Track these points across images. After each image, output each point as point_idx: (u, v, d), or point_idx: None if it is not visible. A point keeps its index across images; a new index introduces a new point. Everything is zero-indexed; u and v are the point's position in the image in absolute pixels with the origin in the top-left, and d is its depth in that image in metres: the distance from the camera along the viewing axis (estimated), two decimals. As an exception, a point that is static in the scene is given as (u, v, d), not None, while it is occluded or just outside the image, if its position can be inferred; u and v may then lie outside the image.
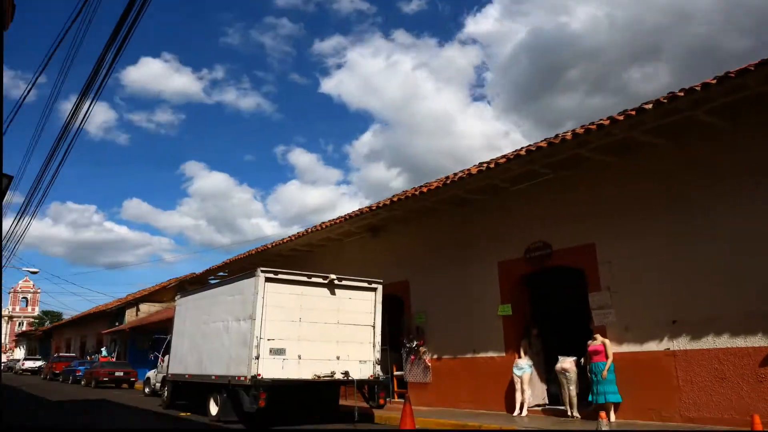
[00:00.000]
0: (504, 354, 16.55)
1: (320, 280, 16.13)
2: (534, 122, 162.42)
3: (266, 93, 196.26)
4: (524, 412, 15.45)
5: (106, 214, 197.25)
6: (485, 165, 15.68)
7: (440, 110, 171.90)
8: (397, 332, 20.05)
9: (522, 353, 16.05)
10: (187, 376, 18.74)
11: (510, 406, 15.92)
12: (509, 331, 16.61)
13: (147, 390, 27.83)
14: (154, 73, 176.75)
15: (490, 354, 16.95)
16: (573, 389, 14.51)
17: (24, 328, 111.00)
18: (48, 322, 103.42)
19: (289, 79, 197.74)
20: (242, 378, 15.13)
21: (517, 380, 15.66)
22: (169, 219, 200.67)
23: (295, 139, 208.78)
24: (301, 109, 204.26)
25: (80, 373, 39.14)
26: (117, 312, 48.45)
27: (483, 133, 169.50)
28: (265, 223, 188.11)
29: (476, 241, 17.75)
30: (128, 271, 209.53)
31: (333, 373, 15.63)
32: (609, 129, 12.77)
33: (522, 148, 15.30)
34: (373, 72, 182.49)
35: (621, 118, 12.45)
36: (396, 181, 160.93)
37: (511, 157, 14.86)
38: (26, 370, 59.50)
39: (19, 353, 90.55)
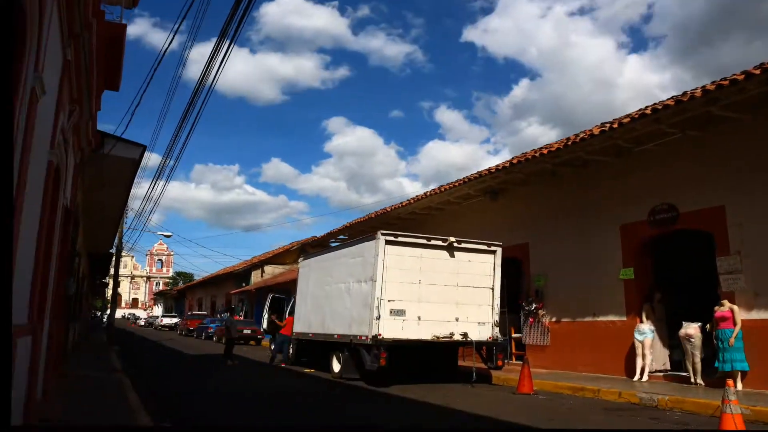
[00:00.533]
0: (625, 318, 16.31)
1: (440, 243, 16.29)
2: (699, 73, 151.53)
3: (415, 39, 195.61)
4: (645, 378, 15.23)
5: (246, 176, 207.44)
6: (608, 125, 15.29)
7: (596, 61, 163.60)
8: (516, 295, 20.05)
9: (644, 318, 15.77)
10: (310, 334, 19.48)
11: (630, 371, 15.72)
12: (631, 295, 16.32)
13: (272, 347, 29.45)
14: (298, 16, 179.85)
15: (611, 318, 16.73)
16: (697, 356, 14.17)
17: (160, 288, 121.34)
18: (181, 282, 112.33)
19: (438, 28, 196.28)
20: (364, 337, 15.58)
21: (638, 345, 15.45)
22: (307, 181, 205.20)
23: (442, 92, 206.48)
24: (448, 61, 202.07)
25: (212, 330, 41.20)
26: (244, 273, 50.40)
27: (641, 85, 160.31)
28: (408, 183, 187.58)
29: (598, 204, 17.44)
30: (263, 234, 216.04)
31: (452, 334, 15.87)
32: (743, 85, 12.15)
33: (647, 107, 14.73)
34: (526, 19, 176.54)
35: (757, 72, 11.81)
36: (545, 137, 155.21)
37: (636, 116, 14.41)
38: (164, 326, 64.36)
39: (157, 310, 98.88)
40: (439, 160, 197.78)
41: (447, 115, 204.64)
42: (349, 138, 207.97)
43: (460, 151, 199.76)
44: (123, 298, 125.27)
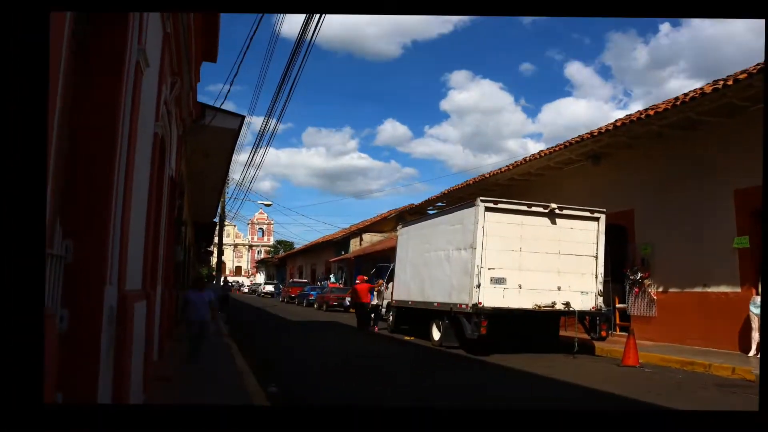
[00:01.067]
0: (739, 289, 15.57)
1: (540, 210, 15.93)
2: None
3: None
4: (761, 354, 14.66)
5: (359, 140, 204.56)
6: (721, 82, 14.44)
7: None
8: (620, 263, 19.35)
9: (760, 289, 14.92)
10: (410, 302, 19.51)
11: (745, 345, 15.04)
12: (746, 265, 15.52)
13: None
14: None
15: (723, 289, 16.03)
16: (821, 329, 13.34)
17: (262, 256, 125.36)
18: (281, 250, 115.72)
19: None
20: (464, 306, 15.50)
21: (754, 318, 14.67)
22: (422, 144, 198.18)
23: (574, 42, 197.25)
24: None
25: (312, 298, 41.70)
26: (342, 241, 51.04)
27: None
28: (531, 144, 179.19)
29: (709, 168, 16.60)
30: (373, 201, 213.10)
31: (553, 303, 15.57)
32: None
33: None
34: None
35: None
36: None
37: (753, 71, 13.52)
38: (266, 293, 67.26)
39: (260, 278, 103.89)
40: (567, 117, 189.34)
41: (577, 69, 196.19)
42: (471, 94, 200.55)
43: (589, 108, 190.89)
44: (227, 266, 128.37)
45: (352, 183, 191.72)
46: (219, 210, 34.03)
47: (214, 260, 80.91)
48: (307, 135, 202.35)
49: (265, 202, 45.39)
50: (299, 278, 64.65)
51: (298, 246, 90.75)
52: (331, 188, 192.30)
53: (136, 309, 5.91)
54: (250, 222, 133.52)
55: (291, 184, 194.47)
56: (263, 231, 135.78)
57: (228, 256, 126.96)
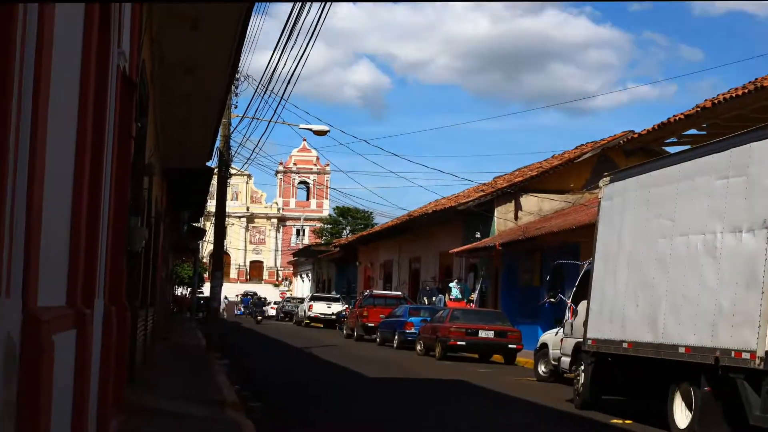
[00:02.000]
0: None
1: None
2: None
3: None
4: None
5: None
6: None
7: None
8: None
9: None
10: (625, 345, 10.76)
11: None
12: None
13: (542, 369, 16.40)
14: None
15: None
16: None
17: (305, 240, 71.71)
18: (347, 228, 65.19)
19: None
20: (747, 355, 8.25)
21: None
22: None
23: None
24: None
25: (413, 330, 24.33)
26: (477, 212, 28.91)
27: None
28: None
29: None
30: (583, 120, 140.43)
31: None
32: None
33: None
34: None
35: None
36: None
37: None
38: (316, 318, 39.67)
39: (300, 286, 61.77)
40: None
41: None
42: None
43: None
44: (232, 262, 73.53)
45: (538, 74, 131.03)
46: (219, 143, 20.34)
47: (206, 247, 46.67)
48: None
49: (319, 128, 23.27)
50: (384, 288, 38.40)
51: (380, 221, 50.55)
52: (489, 92, 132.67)
53: (57, 344, 3.31)
54: (278, 170, 73.37)
55: (411, 82, 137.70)
56: (309, 189, 76.98)
57: (234, 241, 72.03)
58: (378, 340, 27.29)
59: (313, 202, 78.57)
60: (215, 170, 21.81)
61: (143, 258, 12.08)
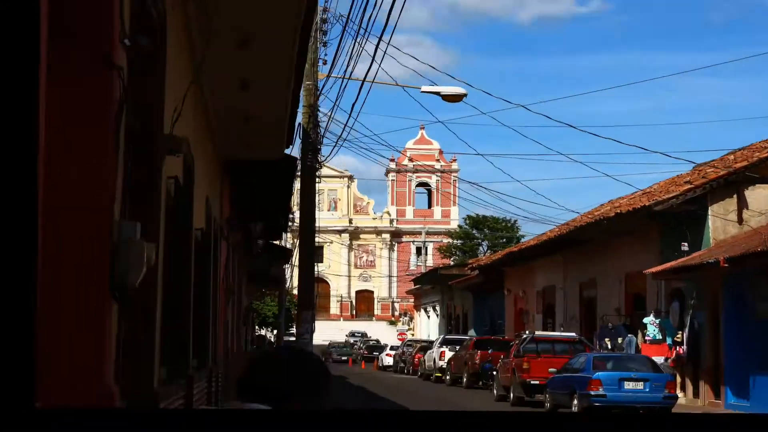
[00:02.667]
0: None
1: None
2: None
3: None
4: None
5: None
6: None
7: None
8: None
9: None
10: None
11: None
12: None
13: None
14: None
15: None
16: None
17: (428, 262, 64.93)
18: (483, 243, 60.08)
19: None
20: None
21: None
22: None
23: None
24: None
25: (601, 392, 22.27)
26: (680, 214, 26.02)
27: None
28: None
29: None
30: None
31: None
32: None
33: None
34: None
35: None
36: None
37: None
38: (445, 370, 35.27)
39: (426, 323, 54.82)
40: None
41: None
42: None
43: None
44: (332, 292, 71.09)
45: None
46: (300, 119, 17.54)
47: (292, 275, 37.85)
48: None
49: (451, 91, 19.78)
50: (543, 326, 35.14)
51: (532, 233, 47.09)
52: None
53: None
54: (389, 168, 68.87)
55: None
56: (429, 192, 72.09)
57: (335, 262, 68.37)
58: (547, 405, 24.03)
59: (437, 210, 71.98)
60: (299, 160, 18.38)
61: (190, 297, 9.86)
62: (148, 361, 7.21)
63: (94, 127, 5.07)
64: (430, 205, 76.04)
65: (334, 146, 20.84)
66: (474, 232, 63.40)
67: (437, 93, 20.14)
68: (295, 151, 18.43)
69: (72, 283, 4.79)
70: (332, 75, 19.86)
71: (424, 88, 20.64)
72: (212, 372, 14.11)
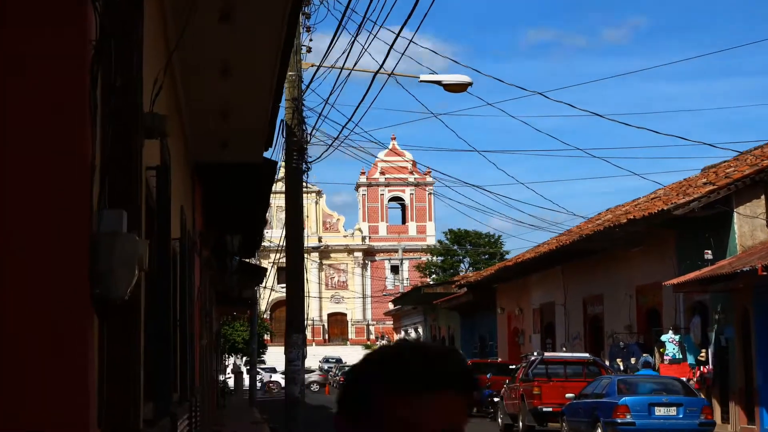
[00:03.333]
0: None
1: None
2: None
3: None
4: None
5: None
6: None
7: None
8: None
9: None
10: None
11: None
12: None
13: None
14: None
15: None
16: None
17: (404, 281, 64.11)
18: (464, 260, 58.50)
19: None
20: None
21: None
22: None
23: None
24: None
25: (629, 419, 21.55)
26: (700, 219, 24.34)
27: None
28: None
29: None
30: None
31: None
32: None
33: None
34: None
35: None
36: None
37: None
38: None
39: None
40: None
41: None
42: None
43: None
44: (312, 319, 65.89)
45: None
46: (283, 114, 16.91)
47: (267, 296, 40.01)
48: None
49: (455, 79, 18.31)
50: (542, 346, 33.02)
51: (512, 251, 45.95)
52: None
53: None
54: (359, 182, 68.76)
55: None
56: (403, 207, 69.79)
57: (313, 284, 65.10)
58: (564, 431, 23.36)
59: (412, 226, 69.43)
60: (280, 164, 17.35)
61: (172, 318, 9.31)
62: (134, 397, 6.52)
63: (65, 76, 4.42)
64: (404, 221, 72.71)
65: (328, 147, 19.12)
66: (454, 247, 60.28)
67: (438, 82, 19.04)
68: (275, 154, 17.87)
69: (37, 293, 4.05)
70: (323, 65, 18.11)
71: (423, 77, 19.62)
72: (192, 405, 13.52)
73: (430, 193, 64.33)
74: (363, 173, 66.78)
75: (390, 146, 63.34)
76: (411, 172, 67.95)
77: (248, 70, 11.08)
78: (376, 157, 58.26)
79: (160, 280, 8.09)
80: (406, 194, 70.96)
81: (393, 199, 72.53)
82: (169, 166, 8.99)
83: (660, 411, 21.72)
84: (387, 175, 69.32)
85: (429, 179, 66.26)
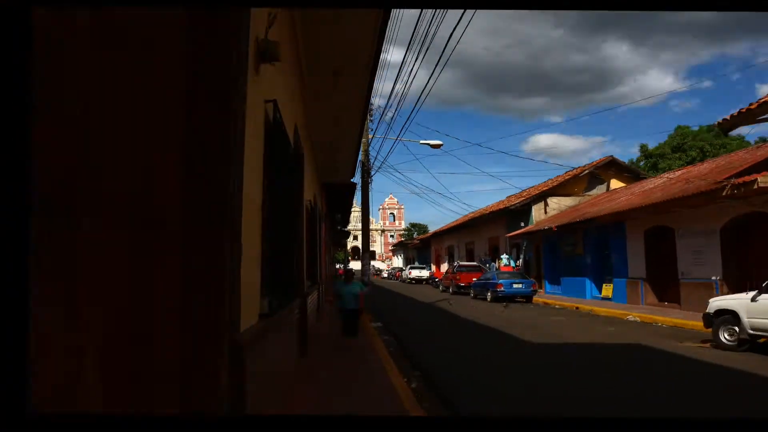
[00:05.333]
0: None
1: None
2: None
3: None
4: None
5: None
6: None
7: None
8: None
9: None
10: None
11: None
12: None
13: (726, 336, 15.69)
14: None
15: None
16: None
17: (394, 241, 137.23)
18: (415, 233, 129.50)
19: None
20: None
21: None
22: None
23: None
24: None
25: (503, 289, 33.34)
26: (521, 210, 45.03)
27: None
28: None
29: None
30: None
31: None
32: None
33: None
34: None
35: None
36: None
37: None
38: (413, 278, 67.39)
39: (397, 262, 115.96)
40: None
41: None
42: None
43: None
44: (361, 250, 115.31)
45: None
46: (360, 156, 31.65)
47: (353, 243, 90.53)
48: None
49: (433, 142, 35.55)
50: (447, 262, 63.48)
51: (432, 229, 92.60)
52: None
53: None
54: (381, 208, 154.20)
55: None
56: (394, 216, 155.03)
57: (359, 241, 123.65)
58: (472, 294, 37.83)
59: (397, 223, 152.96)
60: (358, 183, 34.32)
61: (313, 250, 16.07)
62: (301, 278, 10.47)
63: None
64: (394, 221, 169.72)
65: (377, 171, 37.97)
66: (412, 228, 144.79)
67: (427, 144, 34.52)
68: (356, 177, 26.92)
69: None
70: (375, 136, 33.72)
71: (422, 141, 35.24)
72: (319, 286, 18.97)
73: (403, 211, 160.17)
74: (381, 207, 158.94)
75: (389, 197, 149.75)
76: (397, 207, 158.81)
77: (348, 119, 14.28)
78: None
79: (311, 230, 13.48)
80: (395, 210, 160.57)
81: (390, 213, 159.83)
82: (300, 138, 11.20)
83: (516, 286, 33.30)
84: (389, 207, 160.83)
85: (403, 208, 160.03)
